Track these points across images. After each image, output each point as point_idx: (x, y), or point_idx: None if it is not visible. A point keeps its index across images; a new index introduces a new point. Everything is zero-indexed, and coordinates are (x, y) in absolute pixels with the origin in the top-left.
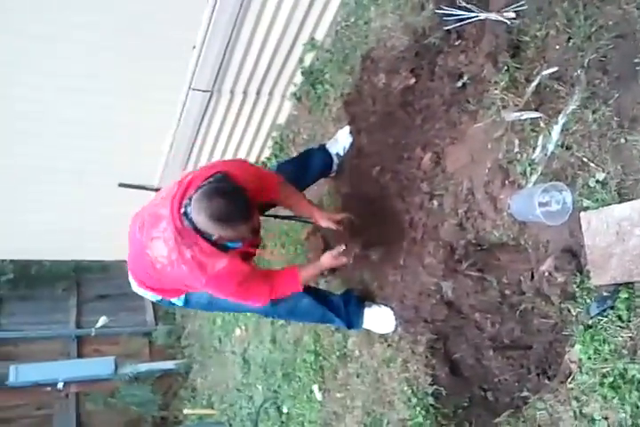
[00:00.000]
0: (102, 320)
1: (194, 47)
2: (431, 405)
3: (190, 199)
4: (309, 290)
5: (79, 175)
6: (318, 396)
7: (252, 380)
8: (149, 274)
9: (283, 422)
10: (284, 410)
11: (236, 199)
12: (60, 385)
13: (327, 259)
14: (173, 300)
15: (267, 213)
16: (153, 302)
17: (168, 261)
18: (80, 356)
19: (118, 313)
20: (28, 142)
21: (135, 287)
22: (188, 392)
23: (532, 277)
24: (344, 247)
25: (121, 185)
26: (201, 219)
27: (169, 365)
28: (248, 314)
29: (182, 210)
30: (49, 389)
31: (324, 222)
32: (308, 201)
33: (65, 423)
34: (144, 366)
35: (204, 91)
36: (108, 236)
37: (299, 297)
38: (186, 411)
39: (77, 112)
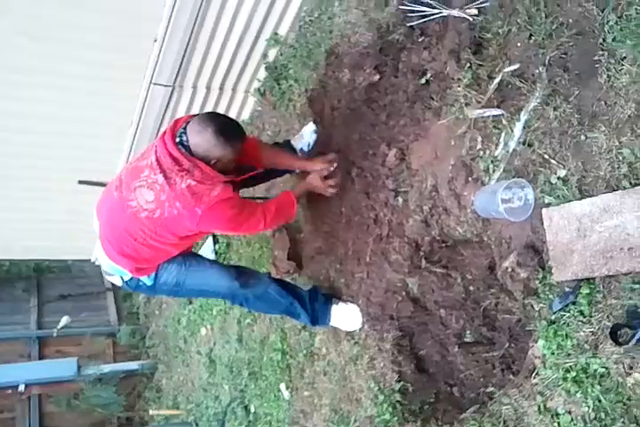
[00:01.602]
0: (64, 320)
1: (155, 40)
2: (398, 401)
3: (184, 129)
4: (278, 281)
5: (37, 172)
6: (286, 395)
7: (219, 380)
8: (130, 235)
9: (250, 422)
10: (252, 409)
11: (231, 119)
12: (22, 387)
13: (315, 179)
14: (143, 278)
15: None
16: (116, 302)
17: (157, 205)
18: (42, 357)
19: (80, 313)
20: None
21: (106, 263)
22: (153, 393)
23: (496, 273)
24: (335, 165)
25: (81, 182)
26: (205, 137)
27: (133, 365)
28: (214, 313)
29: (177, 140)
30: (9, 391)
31: (320, 166)
32: (290, 153)
33: (27, 426)
34: (107, 367)
35: (165, 85)
36: (69, 234)
37: (268, 284)
38: (151, 412)
39: (35, 107)
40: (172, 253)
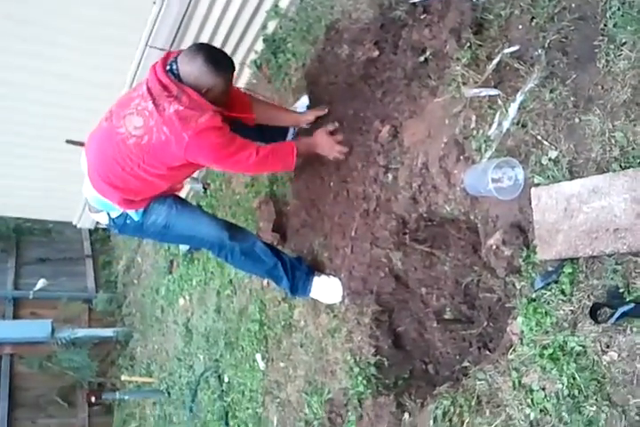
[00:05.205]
0: (41, 283)
1: (154, 3)
2: (373, 375)
3: (175, 58)
4: (264, 242)
5: (26, 128)
6: (261, 365)
7: (194, 349)
8: (117, 163)
9: (223, 391)
10: (225, 379)
11: (221, 50)
12: None
13: (323, 135)
14: (130, 213)
15: None
16: (95, 269)
17: (145, 130)
18: (16, 318)
19: (58, 278)
20: None
21: (92, 197)
22: (126, 360)
23: (480, 252)
24: (337, 125)
25: (68, 142)
26: (195, 65)
27: (108, 332)
28: (193, 283)
29: (167, 68)
30: None
31: (311, 116)
32: (283, 108)
33: None
34: (82, 332)
35: (161, 49)
36: (52, 194)
37: (255, 240)
38: (124, 377)
39: (27, 62)
40: (161, 187)
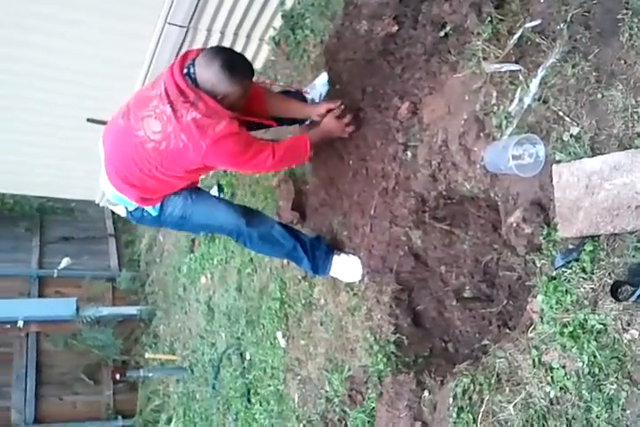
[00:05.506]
0: (65, 261)
1: None
2: (392, 353)
3: (193, 60)
4: (282, 224)
5: (46, 106)
6: (282, 343)
7: (216, 327)
8: (135, 165)
9: (245, 369)
10: (247, 356)
11: (240, 55)
12: (20, 324)
13: (331, 120)
14: (147, 208)
15: None
16: (118, 248)
17: (163, 136)
18: (41, 296)
19: (82, 256)
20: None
21: (110, 192)
22: (149, 338)
23: (500, 230)
24: (339, 102)
25: (89, 120)
26: (211, 71)
27: (131, 310)
28: (214, 262)
29: (184, 71)
30: (8, 326)
31: (325, 107)
32: (296, 101)
33: (24, 362)
34: (106, 310)
35: (180, 26)
36: (74, 172)
37: (273, 224)
38: (147, 355)
39: (48, 40)
40: (177, 186)
